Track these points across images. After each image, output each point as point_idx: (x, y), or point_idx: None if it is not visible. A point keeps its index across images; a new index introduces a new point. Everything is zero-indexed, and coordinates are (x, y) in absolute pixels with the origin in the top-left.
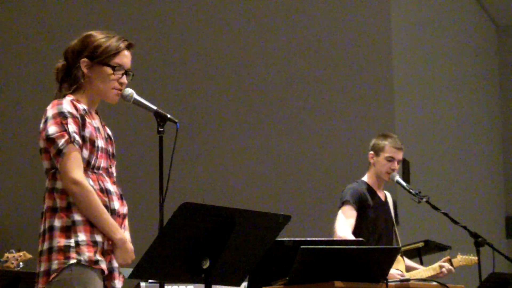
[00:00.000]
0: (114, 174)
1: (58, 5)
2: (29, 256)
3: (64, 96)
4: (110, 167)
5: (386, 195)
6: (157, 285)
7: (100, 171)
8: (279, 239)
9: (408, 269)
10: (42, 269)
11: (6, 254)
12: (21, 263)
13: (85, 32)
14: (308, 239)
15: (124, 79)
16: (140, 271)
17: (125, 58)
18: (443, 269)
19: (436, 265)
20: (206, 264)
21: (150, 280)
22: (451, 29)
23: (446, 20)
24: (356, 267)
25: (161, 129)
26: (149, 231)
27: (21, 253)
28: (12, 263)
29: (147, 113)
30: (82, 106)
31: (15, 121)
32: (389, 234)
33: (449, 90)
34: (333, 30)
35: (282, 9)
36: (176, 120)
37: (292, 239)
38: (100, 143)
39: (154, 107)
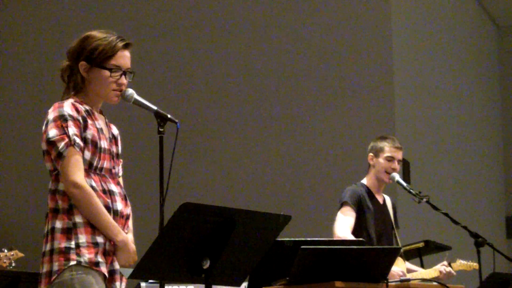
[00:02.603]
0: (121, 173)
1: (59, 5)
2: (20, 254)
3: (67, 98)
4: (114, 168)
5: (385, 199)
6: (157, 285)
7: (103, 172)
8: (279, 239)
9: (408, 271)
10: (44, 270)
11: None
12: (13, 262)
13: (85, 33)
14: (308, 239)
15: (123, 80)
16: (140, 271)
17: (122, 58)
18: (444, 272)
19: (436, 267)
20: (206, 264)
21: (150, 280)
22: (452, 30)
23: (446, 20)
24: (357, 267)
25: (162, 129)
26: (149, 231)
27: (12, 252)
28: (5, 262)
29: (148, 113)
30: (84, 108)
31: (17, 121)
32: (388, 236)
33: (449, 90)
34: (333, 30)
35: (282, 9)
36: (177, 120)
37: (292, 239)
38: (103, 144)
39: (155, 107)
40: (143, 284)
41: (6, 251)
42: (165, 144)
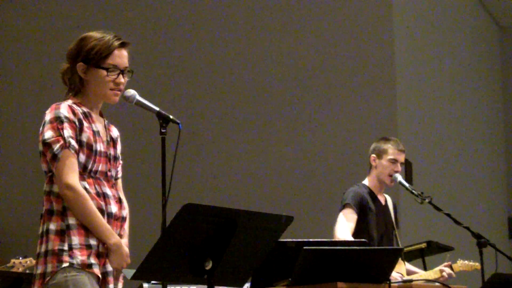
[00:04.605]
0: (120, 175)
1: (58, 5)
2: (35, 262)
3: (65, 100)
4: (110, 171)
5: (387, 199)
6: (160, 286)
7: (98, 175)
8: (281, 240)
9: (408, 272)
10: (38, 271)
11: (13, 260)
12: (27, 270)
13: (82, 34)
14: (311, 240)
15: (121, 79)
16: (142, 272)
17: (119, 57)
18: (444, 273)
19: (436, 269)
20: (209, 265)
21: (152, 281)
22: (454, 30)
23: (448, 21)
24: (359, 268)
25: (164, 130)
26: (151, 232)
27: (27, 260)
28: (18, 269)
29: (150, 114)
30: (81, 110)
31: (16, 122)
32: (389, 237)
33: (451, 91)
34: (335, 31)
35: (283, 10)
36: (179, 121)
37: (294, 240)
38: (99, 147)
39: (157, 108)
40: (145, 285)
41: (20, 258)
42: (167, 145)
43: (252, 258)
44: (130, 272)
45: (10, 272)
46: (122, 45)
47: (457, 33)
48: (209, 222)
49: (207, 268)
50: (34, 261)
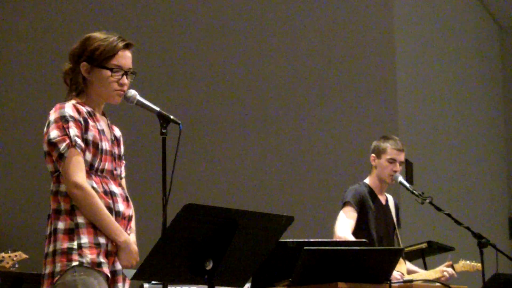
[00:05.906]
0: (123, 175)
1: (59, 5)
2: (24, 256)
3: (69, 100)
4: (115, 169)
5: (388, 198)
6: (160, 286)
7: (104, 174)
8: (282, 240)
9: (409, 272)
10: (47, 271)
11: (2, 254)
12: (16, 263)
13: (86, 34)
14: (311, 240)
15: (124, 80)
16: (143, 272)
17: (123, 58)
18: (445, 273)
19: (437, 269)
20: (209, 266)
21: (153, 281)
22: (454, 30)
23: (449, 21)
24: (359, 268)
25: (164, 130)
26: (152, 233)
27: (16, 253)
28: (8, 263)
29: (150, 115)
30: (86, 109)
31: (18, 123)
32: (389, 236)
33: (452, 91)
34: (336, 31)
35: (284, 10)
36: (179, 121)
37: (295, 240)
38: (105, 145)
39: (157, 108)
40: (146, 285)
41: (10, 252)
42: (167, 145)
43: (252, 258)
44: (131, 272)
45: (11, 272)
46: (127, 46)
47: (457, 33)
48: (210, 223)
49: (208, 268)
50: (23, 255)
